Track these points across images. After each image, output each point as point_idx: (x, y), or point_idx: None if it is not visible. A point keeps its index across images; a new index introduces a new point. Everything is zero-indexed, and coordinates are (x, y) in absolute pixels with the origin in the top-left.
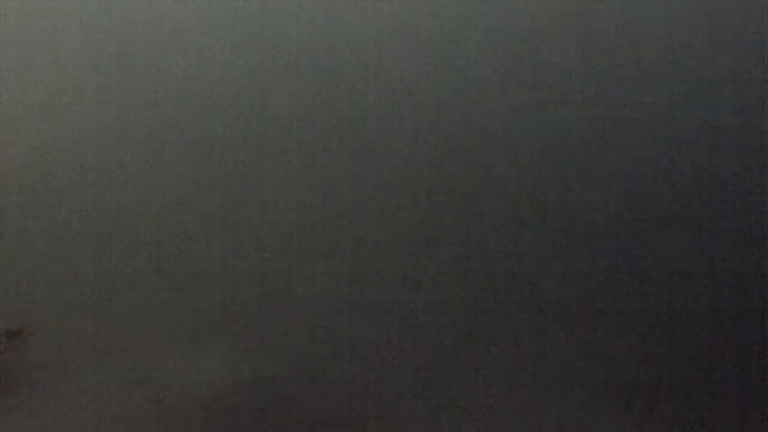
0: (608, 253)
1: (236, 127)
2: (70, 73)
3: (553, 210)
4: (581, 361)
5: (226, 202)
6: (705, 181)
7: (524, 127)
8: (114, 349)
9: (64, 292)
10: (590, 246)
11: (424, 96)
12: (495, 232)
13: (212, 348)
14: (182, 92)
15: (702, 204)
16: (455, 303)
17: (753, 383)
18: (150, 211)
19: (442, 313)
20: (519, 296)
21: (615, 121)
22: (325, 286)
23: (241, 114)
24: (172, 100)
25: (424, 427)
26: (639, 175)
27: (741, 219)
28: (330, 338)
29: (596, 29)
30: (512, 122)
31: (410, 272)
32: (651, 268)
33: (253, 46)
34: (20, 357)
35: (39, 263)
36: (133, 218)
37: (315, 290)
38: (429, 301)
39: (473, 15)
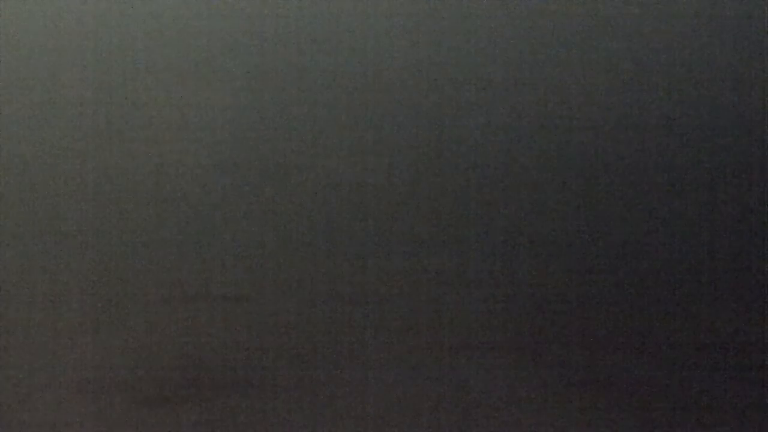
0: (608, 252)
1: (237, 127)
2: (70, 73)
3: (552, 209)
4: (581, 360)
5: (227, 202)
6: (705, 181)
7: (524, 126)
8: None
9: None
10: (589, 246)
11: (424, 95)
12: (494, 232)
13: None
14: (183, 92)
15: (702, 204)
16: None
17: (753, 383)
18: (150, 212)
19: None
20: (518, 297)
21: (615, 122)
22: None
23: (242, 114)
24: (173, 100)
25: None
26: (639, 174)
27: (741, 219)
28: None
29: (596, 29)
30: (512, 122)
31: (410, 272)
32: (651, 268)
33: (254, 45)
34: None
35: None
36: (133, 219)
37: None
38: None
39: (473, 15)
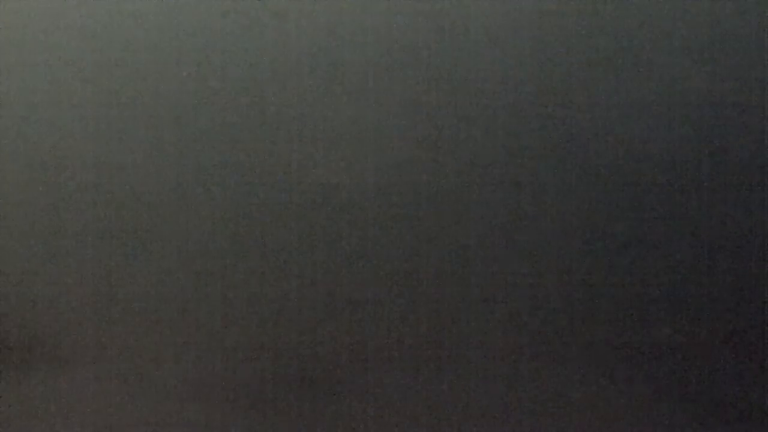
0: (607, 252)
1: (238, 128)
2: (70, 73)
3: (552, 209)
4: (580, 360)
5: (227, 202)
6: (705, 181)
7: (524, 126)
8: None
9: (64, 293)
10: (589, 246)
11: (423, 94)
12: (494, 232)
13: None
14: (184, 92)
15: (702, 203)
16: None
17: (754, 383)
18: (151, 213)
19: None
20: (518, 296)
21: (615, 122)
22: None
23: (243, 115)
24: (174, 100)
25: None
26: (638, 174)
27: (741, 219)
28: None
29: (596, 29)
30: (512, 122)
31: (408, 271)
32: (651, 268)
33: (255, 46)
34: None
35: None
36: (134, 220)
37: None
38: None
39: (473, 15)
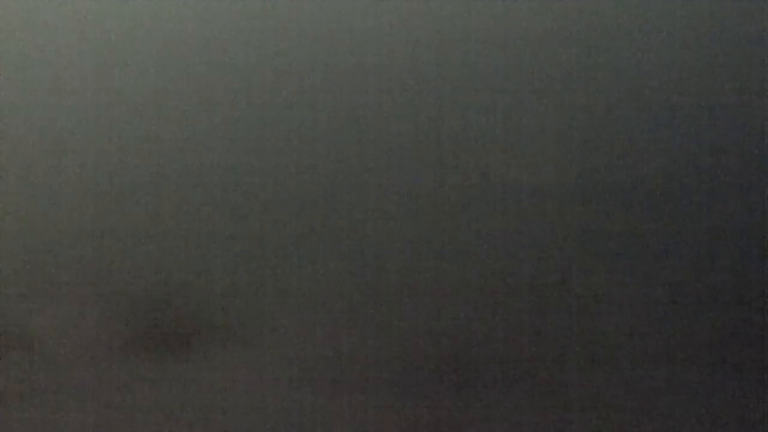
0: (607, 252)
1: (238, 128)
2: (70, 73)
3: (552, 210)
4: (579, 360)
5: (227, 202)
6: (705, 181)
7: (523, 127)
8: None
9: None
10: (589, 246)
11: (424, 96)
12: (494, 233)
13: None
14: (184, 92)
15: (702, 204)
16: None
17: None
18: (151, 213)
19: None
20: (519, 298)
21: (614, 122)
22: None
23: (243, 115)
24: (174, 100)
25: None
26: (639, 174)
27: (741, 219)
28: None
29: (596, 29)
30: (511, 122)
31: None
32: (651, 268)
33: (255, 46)
34: None
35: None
36: (134, 221)
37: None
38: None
39: (473, 15)
